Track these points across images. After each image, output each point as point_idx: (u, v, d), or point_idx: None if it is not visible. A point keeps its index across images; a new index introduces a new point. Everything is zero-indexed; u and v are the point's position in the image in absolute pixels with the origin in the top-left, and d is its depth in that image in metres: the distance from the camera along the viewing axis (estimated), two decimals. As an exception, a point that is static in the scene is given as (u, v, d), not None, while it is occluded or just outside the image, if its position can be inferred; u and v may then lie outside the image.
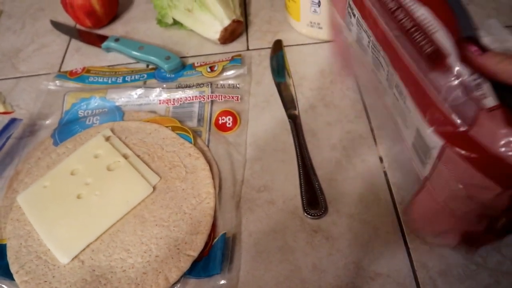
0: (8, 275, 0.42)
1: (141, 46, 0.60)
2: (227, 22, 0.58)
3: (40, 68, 0.64)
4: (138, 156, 0.48)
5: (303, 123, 0.51)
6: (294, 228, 0.43)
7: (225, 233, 0.41)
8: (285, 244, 0.42)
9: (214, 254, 0.40)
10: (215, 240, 0.42)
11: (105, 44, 0.62)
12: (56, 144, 0.52)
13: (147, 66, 0.60)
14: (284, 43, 0.60)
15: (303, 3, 0.56)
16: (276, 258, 0.41)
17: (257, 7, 0.67)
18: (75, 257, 0.42)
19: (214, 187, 0.45)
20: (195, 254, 0.41)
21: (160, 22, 0.64)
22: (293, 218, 0.44)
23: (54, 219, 0.44)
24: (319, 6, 0.55)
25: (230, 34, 0.60)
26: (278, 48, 0.59)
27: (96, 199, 0.45)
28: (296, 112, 0.51)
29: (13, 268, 0.42)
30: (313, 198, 0.44)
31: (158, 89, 0.54)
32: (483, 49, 0.32)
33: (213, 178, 0.46)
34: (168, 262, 0.40)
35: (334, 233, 0.42)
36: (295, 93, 0.54)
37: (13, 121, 0.53)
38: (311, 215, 0.43)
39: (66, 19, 0.69)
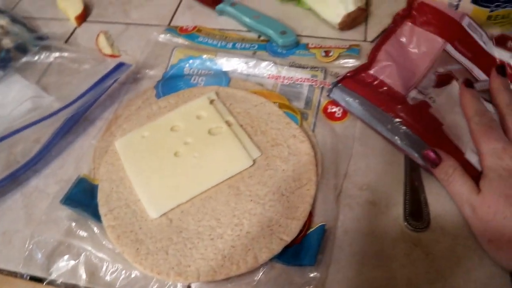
0: (97, 216, 0.42)
1: (257, 15, 0.58)
2: (352, 7, 0.55)
3: (150, 18, 0.63)
4: (241, 126, 0.47)
5: (417, 128, 0.47)
6: (393, 236, 0.40)
7: (324, 225, 0.39)
8: (382, 250, 0.39)
9: (309, 244, 0.38)
10: (311, 229, 0.39)
11: (220, 6, 0.61)
12: (158, 96, 0.51)
13: (259, 37, 0.58)
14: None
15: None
16: (370, 262, 0.39)
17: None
18: (164, 214, 0.41)
19: (316, 175, 0.43)
20: (288, 239, 0.39)
21: (279, -5, 0.62)
22: (393, 225, 0.41)
23: (149, 172, 0.44)
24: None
25: (352, 21, 0.57)
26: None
27: (194, 160, 0.44)
28: (411, 116, 0.48)
29: (102, 210, 0.42)
30: (417, 209, 0.41)
31: (269, 63, 0.52)
32: None
33: (316, 165, 0.43)
34: (259, 241, 0.39)
35: (435, 251, 0.39)
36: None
37: (121, 65, 0.53)
38: (412, 227, 0.40)
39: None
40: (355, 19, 0.57)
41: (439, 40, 0.48)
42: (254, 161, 0.44)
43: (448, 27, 0.48)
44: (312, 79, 0.51)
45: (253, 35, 0.59)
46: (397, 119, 0.44)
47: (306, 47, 0.55)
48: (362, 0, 0.56)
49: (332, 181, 0.43)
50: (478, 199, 0.38)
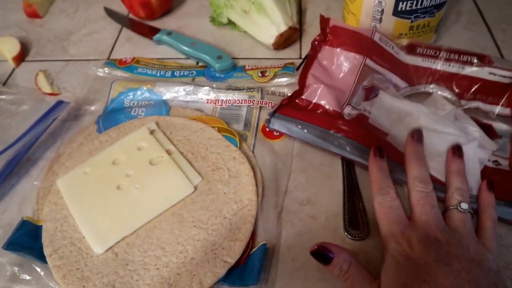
0: (42, 257, 0.42)
1: (193, 43, 0.59)
2: (283, 28, 0.57)
3: (89, 53, 0.64)
4: (182, 153, 0.47)
5: (352, 139, 0.49)
6: (335, 248, 0.41)
7: (265, 244, 0.40)
8: (325, 263, 0.40)
9: (252, 264, 0.39)
10: (254, 249, 0.40)
11: (157, 36, 0.62)
12: (99, 131, 0.52)
13: (197, 63, 0.59)
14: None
15: (364, 17, 0.55)
16: (314, 276, 0.40)
17: (312, 16, 0.65)
18: (109, 248, 0.41)
19: (257, 195, 0.44)
20: (232, 261, 0.39)
21: (213, 20, 0.64)
22: (334, 236, 0.42)
23: (92, 207, 0.44)
24: (380, 22, 0.54)
25: (285, 41, 0.59)
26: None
27: (136, 192, 0.44)
28: (346, 128, 0.50)
29: (46, 251, 0.42)
30: (356, 219, 0.43)
31: (207, 88, 0.54)
32: None
33: (256, 185, 0.44)
34: (203, 266, 0.39)
35: (375, 258, 0.40)
36: (346, 108, 0.52)
37: (60, 103, 0.53)
38: (352, 236, 0.42)
39: (119, 8, 0.70)
40: (288, 38, 0.59)
41: (358, 57, 0.50)
42: (196, 187, 0.44)
43: (363, 44, 0.51)
44: (249, 100, 0.52)
45: (191, 62, 0.60)
46: (341, 134, 0.45)
47: (243, 69, 0.56)
48: (293, 20, 0.58)
49: (273, 199, 0.44)
50: None
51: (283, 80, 0.54)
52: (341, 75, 0.50)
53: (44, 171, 0.49)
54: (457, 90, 0.51)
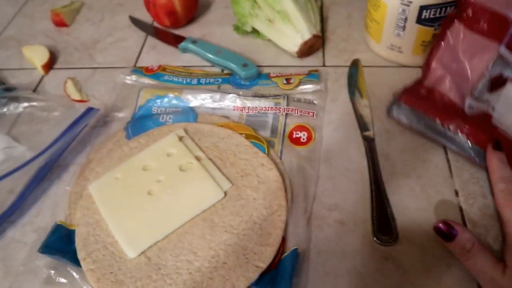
0: (76, 261, 0.43)
1: (219, 51, 0.60)
2: (307, 36, 0.58)
3: (116, 61, 0.65)
4: (210, 159, 0.48)
5: (378, 146, 0.50)
6: (364, 253, 0.42)
7: (297, 248, 0.41)
8: (354, 267, 0.41)
9: (284, 269, 0.40)
10: (285, 254, 0.41)
11: (182, 44, 0.63)
12: (128, 137, 0.53)
13: (222, 70, 0.60)
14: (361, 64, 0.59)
15: (387, 25, 0.56)
16: (344, 280, 0.40)
17: (335, 24, 0.66)
18: (142, 253, 0.42)
19: (286, 200, 0.44)
20: (264, 265, 0.40)
21: (238, 29, 0.65)
22: (363, 242, 0.42)
23: (124, 212, 0.45)
24: (403, 30, 0.54)
25: (308, 49, 0.60)
26: (356, 66, 0.59)
27: (167, 197, 0.45)
28: (371, 134, 0.50)
29: (80, 255, 0.43)
30: (385, 224, 0.43)
31: (233, 95, 0.55)
32: None
33: (285, 191, 0.45)
34: (236, 270, 0.40)
35: (405, 263, 0.41)
36: (371, 115, 0.53)
37: (90, 110, 0.54)
38: (381, 241, 0.42)
39: (144, 16, 0.71)
40: (312, 46, 0.60)
41: (494, 45, 0.44)
42: (226, 193, 0.45)
43: (500, 26, 0.44)
44: (275, 107, 0.53)
45: (216, 70, 0.61)
46: (462, 134, 0.43)
47: (268, 76, 0.57)
48: (316, 28, 0.59)
49: (302, 204, 0.45)
50: (506, 278, 0.35)
51: (308, 87, 0.55)
52: (468, 62, 0.45)
53: (75, 176, 0.50)
54: None
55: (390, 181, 0.46)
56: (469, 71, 0.46)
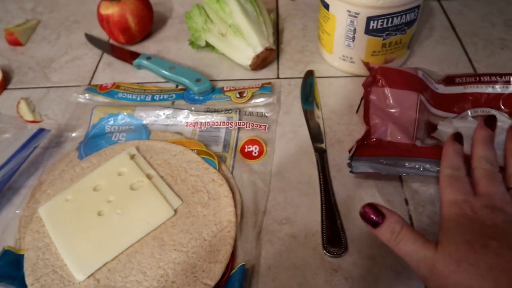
0: (22, 286, 0.42)
1: (173, 66, 0.60)
2: (259, 49, 0.58)
3: (71, 80, 0.64)
4: (162, 177, 0.48)
5: (330, 157, 0.50)
6: (314, 265, 0.42)
7: (244, 265, 0.41)
8: (305, 281, 0.41)
9: (232, 286, 0.40)
10: (234, 270, 0.41)
11: (136, 61, 0.63)
12: (81, 157, 0.52)
13: (176, 86, 0.60)
14: (315, 74, 0.60)
15: (337, 36, 0.56)
16: (294, 295, 0.40)
17: (290, 36, 0.67)
18: (91, 275, 0.42)
19: (236, 216, 0.44)
20: (212, 283, 0.40)
21: (192, 43, 0.65)
22: (313, 254, 0.43)
23: (74, 234, 0.44)
24: (353, 40, 0.55)
25: (262, 61, 0.60)
26: (310, 77, 0.59)
27: (117, 217, 0.45)
28: (323, 146, 0.51)
29: (28, 280, 0.42)
30: (334, 236, 0.43)
31: (186, 111, 0.55)
32: None
33: (235, 206, 0.45)
34: (184, 289, 0.40)
35: (354, 274, 0.41)
36: (323, 126, 0.53)
37: (41, 131, 0.53)
38: (330, 253, 0.42)
39: (100, 34, 0.71)
40: (265, 59, 0.60)
41: (412, 94, 0.50)
42: (176, 210, 0.45)
43: (412, 81, 0.51)
44: (228, 122, 0.53)
45: (171, 86, 0.61)
46: (429, 158, 0.45)
47: (221, 90, 0.57)
48: (269, 41, 0.60)
49: (252, 219, 0.45)
50: (438, 254, 0.34)
51: (261, 100, 0.55)
52: (400, 113, 0.49)
53: (26, 199, 0.49)
54: (505, 109, 0.51)
55: (341, 192, 0.47)
56: (403, 120, 0.49)
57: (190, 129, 0.54)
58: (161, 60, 0.62)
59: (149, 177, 0.48)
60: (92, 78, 0.64)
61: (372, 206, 0.37)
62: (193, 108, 0.55)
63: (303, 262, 0.42)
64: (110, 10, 0.63)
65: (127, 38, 0.66)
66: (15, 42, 0.71)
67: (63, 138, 0.56)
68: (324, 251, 0.42)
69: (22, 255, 0.44)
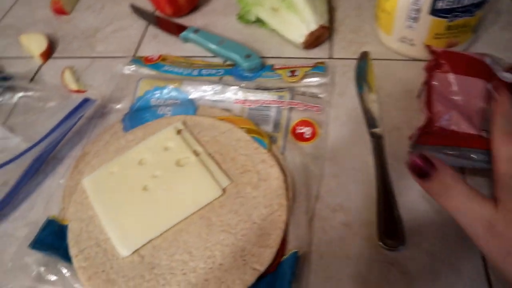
0: (67, 258, 0.41)
1: (221, 41, 0.58)
2: (314, 26, 0.55)
3: (115, 51, 0.63)
4: (210, 154, 0.46)
5: (386, 144, 0.47)
6: (368, 257, 0.39)
7: (296, 252, 0.39)
8: (358, 273, 0.39)
9: (283, 272, 0.38)
10: (285, 256, 0.39)
11: (184, 34, 0.61)
12: (125, 129, 0.51)
13: (224, 61, 0.58)
14: (371, 56, 0.57)
15: (399, 16, 0.53)
16: (346, 286, 0.38)
17: (343, 15, 0.63)
18: (135, 251, 0.40)
19: (287, 199, 0.42)
20: (262, 268, 0.38)
21: (241, 18, 0.62)
22: (368, 246, 0.40)
23: (118, 208, 0.43)
24: (415, 21, 0.52)
25: (315, 40, 0.57)
26: (365, 59, 0.56)
27: (163, 193, 0.43)
28: (380, 131, 0.48)
29: (72, 252, 0.41)
30: (391, 228, 0.41)
31: (235, 88, 0.52)
32: None
33: (286, 189, 0.43)
34: (232, 272, 0.38)
35: (412, 270, 0.38)
36: (379, 110, 0.50)
37: (86, 101, 0.52)
38: (386, 245, 0.40)
39: (146, 5, 0.69)
40: (319, 37, 0.57)
41: (480, 82, 0.45)
42: (224, 190, 0.43)
43: (480, 68, 0.47)
44: (279, 101, 0.51)
45: (218, 61, 0.59)
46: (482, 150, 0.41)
47: (271, 68, 0.55)
48: (324, 18, 0.57)
49: (304, 204, 0.43)
50: (498, 213, 0.31)
51: (314, 80, 0.52)
52: (465, 101, 0.45)
53: (70, 169, 0.49)
54: None
55: (399, 181, 0.44)
56: (470, 107, 0.45)
57: (239, 106, 0.51)
58: (209, 33, 0.60)
59: (196, 153, 0.46)
60: (137, 49, 0.63)
61: (423, 156, 0.33)
62: (242, 85, 0.53)
63: (357, 253, 0.40)
64: (160, -19, 0.61)
65: (174, 10, 0.64)
66: (60, 11, 0.70)
67: (107, 109, 0.54)
68: (380, 243, 0.40)
69: (66, 226, 0.44)
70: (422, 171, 0.33)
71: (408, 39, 0.54)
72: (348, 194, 0.44)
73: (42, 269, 0.41)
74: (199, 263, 0.39)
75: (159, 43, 0.63)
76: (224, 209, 0.42)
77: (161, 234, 0.41)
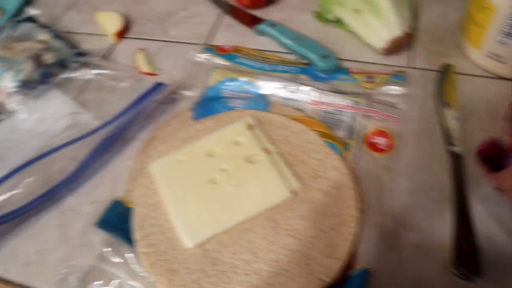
0: (129, 241, 0.41)
1: (298, 37, 0.56)
2: (397, 32, 0.53)
3: (188, 36, 0.63)
4: (280, 154, 0.45)
5: (467, 166, 0.44)
6: (441, 285, 0.37)
7: (368, 269, 0.37)
8: (429, 298, 0.37)
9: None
10: (353, 271, 0.37)
11: (260, 27, 0.59)
12: (195, 118, 0.50)
13: (299, 59, 0.56)
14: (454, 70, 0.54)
15: (492, 30, 0.50)
16: (419, 312, 0.36)
17: (426, 22, 0.60)
18: (200, 243, 0.40)
19: (359, 211, 0.41)
20: (328, 280, 0.37)
21: (319, 16, 0.61)
22: (441, 272, 0.38)
23: (185, 198, 0.43)
24: (510, 37, 0.48)
25: (396, 46, 0.55)
26: (447, 72, 0.53)
27: (231, 189, 0.43)
28: (459, 151, 0.45)
29: (137, 235, 0.41)
30: (468, 256, 0.38)
31: (309, 88, 0.51)
32: None
33: (358, 200, 0.41)
34: (296, 280, 0.37)
35: (489, 304, 0.36)
36: (461, 129, 0.47)
37: (159, 85, 0.52)
38: (462, 275, 0.37)
39: (221, -8, 0.68)
40: (400, 44, 0.55)
41: None
42: (293, 193, 0.42)
43: None
44: (354, 106, 0.49)
45: (292, 58, 0.57)
46: None
47: (347, 71, 0.53)
48: (408, 25, 0.54)
49: (375, 218, 0.41)
50: None
51: (393, 89, 0.50)
52: None
53: (138, 152, 0.49)
54: None
55: (478, 207, 0.41)
56: None
57: (311, 107, 0.50)
58: (286, 29, 0.58)
59: (266, 151, 0.45)
60: (209, 37, 0.62)
61: (496, 142, 0.29)
62: (317, 86, 0.51)
63: (429, 278, 0.38)
64: (241, -30, 0.60)
65: (252, 1, 0.63)
66: (136, -9, 0.70)
67: (177, 95, 0.54)
68: (455, 271, 0.38)
69: (130, 208, 0.44)
70: (494, 159, 0.29)
71: (498, 56, 0.51)
72: (422, 213, 0.42)
73: (107, 249, 0.41)
74: (263, 265, 0.38)
75: (232, 33, 0.62)
76: (292, 212, 0.41)
77: (226, 230, 0.40)
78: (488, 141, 0.29)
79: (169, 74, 0.57)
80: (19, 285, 0.43)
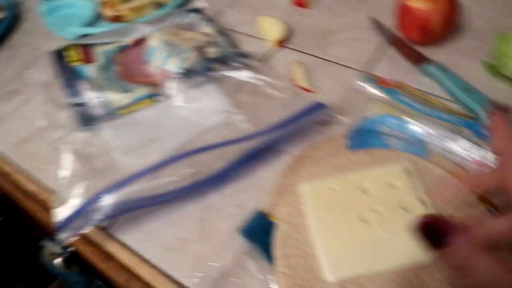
0: (266, 254, 0.42)
1: (467, 88, 0.54)
2: None
3: (347, 59, 0.62)
4: (436, 209, 0.43)
5: None
6: None
7: None
8: None
9: None
10: None
11: (428, 67, 0.57)
12: (349, 147, 0.50)
13: (463, 111, 0.54)
14: None
15: None
16: None
17: None
18: (341, 280, 0.40)
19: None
20: None
21: (492, 68, 0.57)
22: None
23: (333, 229, 0.43)
24: None
25: None
26: None
27: (383, 233, 0.42)
28: None
29: (277, 253, 0.42)
30: None
31: (474, 145, 0.48)
32: None
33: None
34: None
35: None
36: None
37: (320, 106, 0.52)
38: None
39: (384, 18, 0.66)
40: None
41: None
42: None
43: None
44: (521, 177, 0.46)
45: (455, 107, 0.55)
46: None
47: (516, 136, 0.50)
48: None
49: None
50: None
51: None
52: None
53: (287, 167, 0.49)
54: None
55: None
56: None
57: (474, 167, 0.48)
58: (454, 74, 0.56)
59: (422, 202, 0.44)
60: (368, 65, 0.61)
61: (436, 216, 0.29)
62: (483, 145, 0.48)
63: None
64: (419, 4, 0.58)
65: (422, 38, 0.61)
66: (301, 3, 0.71)
67: (332, 118, 0.54)
68: None
69: (273, 223, 0.44)
70: (433, 236, 0.29)
71: None
72: None
73: (246, 257, 0.43)
74: (404, 325, 0.37)
75: (393, 66, 0.60)
76: (441, 275, 0.39)
77: (371, 275, 0.40)
78: (427, 215, 0.29)
79: (326, 94, 0.57)
80: (154, 266, 0.45)
